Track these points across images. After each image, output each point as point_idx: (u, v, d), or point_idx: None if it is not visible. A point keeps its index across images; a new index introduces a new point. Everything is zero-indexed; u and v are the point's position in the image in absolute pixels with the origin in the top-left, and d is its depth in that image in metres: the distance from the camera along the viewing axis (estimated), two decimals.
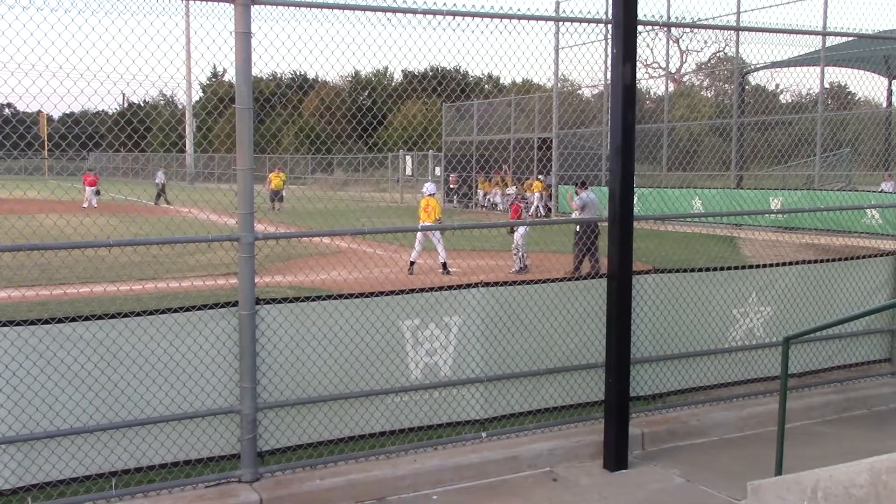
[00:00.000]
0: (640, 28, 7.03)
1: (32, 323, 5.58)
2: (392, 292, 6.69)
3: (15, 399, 5.48)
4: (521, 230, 17.88)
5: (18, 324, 5.53)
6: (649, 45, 32.40)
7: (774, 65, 23.55)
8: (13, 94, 5.65)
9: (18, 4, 5.32)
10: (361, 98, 54.87)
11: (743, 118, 29.26)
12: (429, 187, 18.91)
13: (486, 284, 7.05)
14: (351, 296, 6.58)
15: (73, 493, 5.70)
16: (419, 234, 17.83)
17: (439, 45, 6.72)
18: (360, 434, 6.61)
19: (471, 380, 6.98)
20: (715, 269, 8.12)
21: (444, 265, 17.87)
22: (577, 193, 17.93)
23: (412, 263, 17.99)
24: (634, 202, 6.92)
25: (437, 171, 44.19)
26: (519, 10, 7.11)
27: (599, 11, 7.70)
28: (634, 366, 7.42)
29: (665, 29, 10.14)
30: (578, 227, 17.27)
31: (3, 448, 5.49)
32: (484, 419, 7.09)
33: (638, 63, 6.90)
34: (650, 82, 36.30)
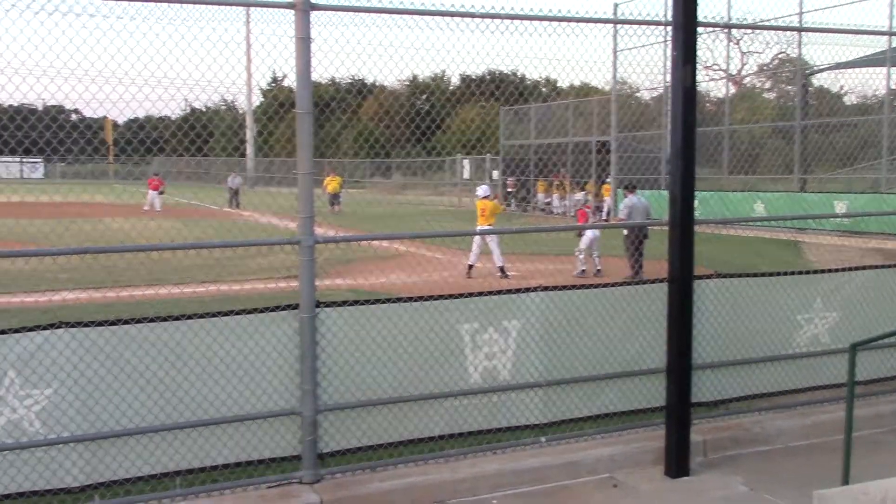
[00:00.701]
0: (700, 30, 6.93)
1: (100, 324, 5.70)
2: (451, 296, 6.68)
3: (83, 399, 5.60)
4: (588, 234, 17.78)
5: (86, 325, 5.65)
6: (709, 48, 31.85)
7: (838, 66, 23.09)
8: (80, 100, 5.78)
9: (86, 13, 5.45)
10: (419, 102, 55.04)
11: (806, 120, 28.70)
12: (482, 189, 18.86)
13: (546, 288, 7.01)
14: (410, 299, 6.59)
15: (138, 491, 5.80)
16: (476, 238, 17.83)
17: (497, 48, 6.70)
18: (420, 437, 6.61)
19: (530, 384, 6.94)
20: (779, 274, 7.96)
21: (502, 269, 17.82)
22: (624, 197, 17.81)
23: (470, 267, 17.98)
24: (695, 206, 6.82)
25: (495, 174, 44.13)
26: (577, 13, 7.06)
27: (658, 14, 7.64)
28: (696, 371, 7.31)
29: (725, 30, 9.98)
30: (625, 231, 17.19)
31: (72, 447, 5.61)
32: (543, 424, 7.04)
33: (698, 65, 6.80)
34: (710, 84, 35.72)
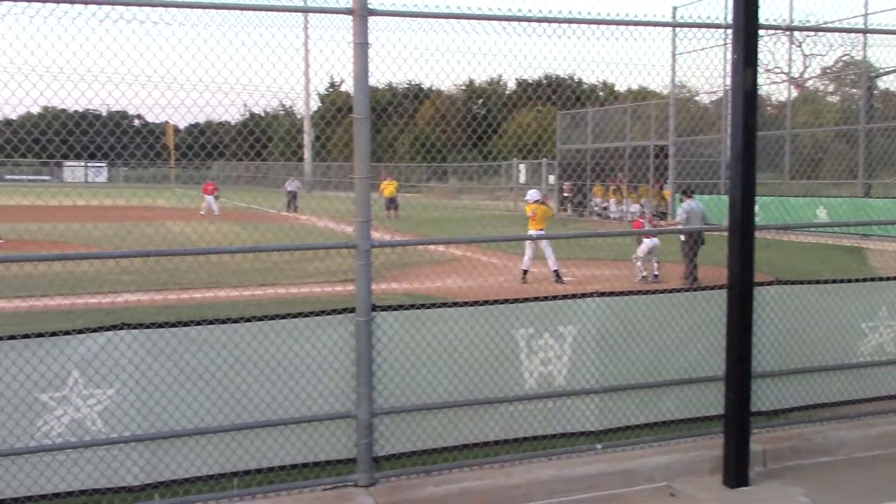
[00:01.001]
0: (761, 32, 6.82)
1: (160, 326, 5.80)
2: (506, 301, 6.67)
3: (144, 399, 5.70)
4: (646, 242, 17.62)
5: (147, 326, 5.76)
6: (770, 50, 31.32)
7: None
8: (143, 105, 5.89)
9: (149, 20, 5.55)
10: (476, 106, 55.07)
11: (871, 124, 28.07)
12: (532, 194, 18.76)
13: (602, 294, 6.95)
14: (465, 304, 6.59)
15: (196, 491, 5.88)
16: (528, 242, 17.77)
17: (554, 52, 6.67)
18: (474, 442, 6.60)
19: (586, 390, 6.89)
20: (842, 281, 7.79)
21: (557, 273, 17.73)
22: (681, 202, 17.58)
23: (525, 272, 17.92)
24: (755, 211, 6.71)
25: (551, 179, 43.97)
26: (635, 16, 6.99)
27: (718, 16, 7.51)
28: (755, 380, 7.18)
29: (787, 33, 9.81)
30: (682, 236, 16.98)
31: (133, 446, 5.71)
32: (599, 431, 6.98)
33: (759, 68, 6.70)
34: (771, 88, 35.13)
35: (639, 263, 17.89)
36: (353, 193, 6.12)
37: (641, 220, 18.82)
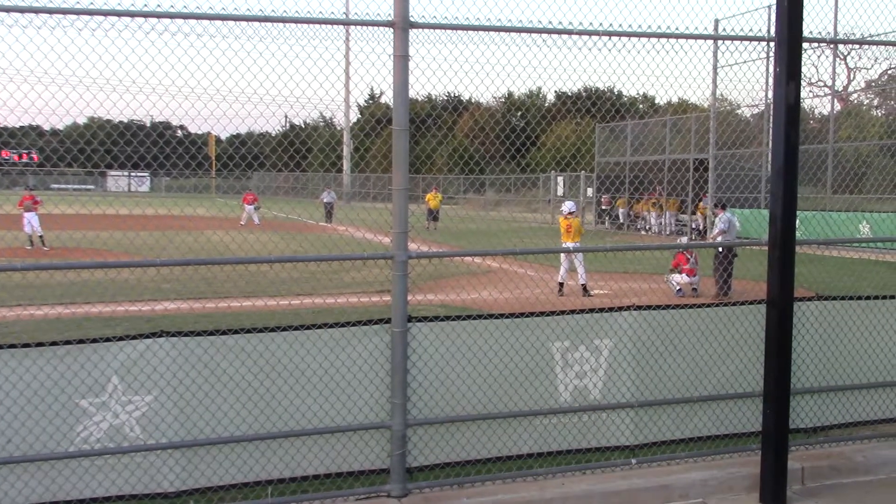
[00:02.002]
0: (804, 45, 6.76)
1: (198, 334, 5.86)
2: (542, 313, 6.65)
3: (181, 406, 5.76)
4: (688, 278, 17.50)
5: (186, 334, 5.83)
6: (814, 63, 31.06)
7: None
8: (186, 116, 5.98)
9: (194, 32, 5.64)
10: (514, 119, 55.12)
11: None
12: (568, 206, 18.70)
13: (639, 307, 6.91)
14: (501, 316, 6.58)
15: (231, 498, 5.93)
16: (564, 255, 17.72)
17: (594, 65, 6.65)
18: (508, 455, 6.58)
19: (621, 404, 6.85)
20: (885, 298, 7.67)
21: (584, 287, 17.67)
22: (715, 215, 17.36)
23: (561, 285, 17.87)
24: (796, 225, 6.64)
25: (590, 191, 43.83)
26: (676, 28, 6.96)
27: (761, 29, 7.48)
28: (794, 396, 7.09)
29: (831, 46, 9.71)
30: (720, 249, 16.82)
31: (169, 453, 5.78)
32: (634, 445, 6.93)
33: (802, 81, 6.63)
34: (814, 101, 34.77)
35: (672, 278, 17.76)
36: (391, 204, 6.15)
37: (684, 256, 18.04)
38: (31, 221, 26.38)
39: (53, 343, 5.55)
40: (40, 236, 26.34)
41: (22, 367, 5.44)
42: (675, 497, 6.63)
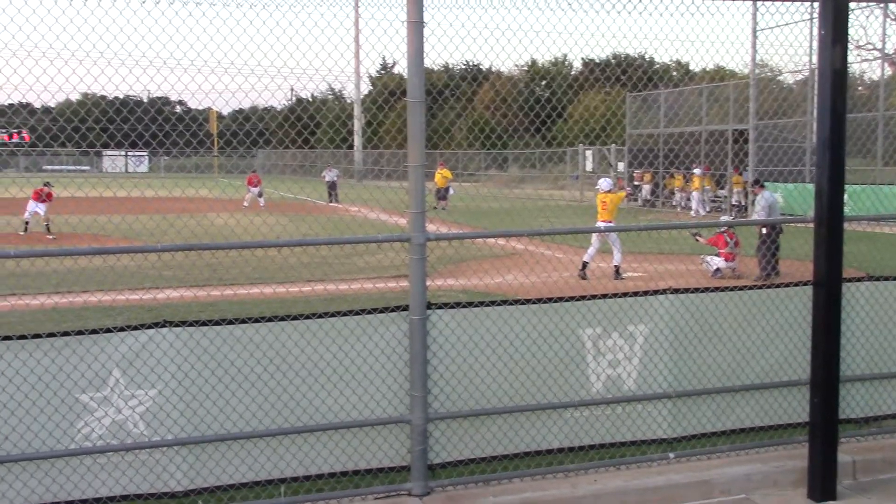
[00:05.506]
0: (851, 5, 6.70)
1: (203, 324, 5.90)
2: (571, 298, 6.65)
3: (187, 401, 5.81)
4: (727, 262, 17.47)
5: (190, 324, 5.86)
6: (862, 25, 30.66)
7: None
8: (186, 91, 5.99)
9: (192, 0, 5.64)
10: (538, 89, 54.89)
11: None
12: (605, 183, 18.63)
13: (676, 291, 6.90)
14: (527, 301, 6.57)
15: (242, 498, 5.98)
16: (595, 234, 17.67)
17: (624, 29, 6.61)
18: (536, 450, 6.60)
19: (657, 395, 6.85)
20: None
21: (617, 269, 17.60)
22: (754, 193, 17.25)
23: (584, 265, 17.74)
24: (845, 200, 6.60)
25: (620, 166, 43.65)
26: None
27: None
28: (844, 384, 7.06)
29: (881, 5, 9.60)
30: (763, 229, 16.74)
31: (176, 450, 5.83)
32: (671, 438, 6.93)
33: (849, 45, 6.57)
34: (863, 66, 34.34)
35: (710, 259, 17.71)
36: (406, 183, 6.14)
37: (723, 237, 17.86)
38: (36, 209, 26.48)
39: (51, 334, 5.60)
40: (46, 224, 26.40)
41: (18, 360, 5.50)
42: (716, 493, 6.63)
